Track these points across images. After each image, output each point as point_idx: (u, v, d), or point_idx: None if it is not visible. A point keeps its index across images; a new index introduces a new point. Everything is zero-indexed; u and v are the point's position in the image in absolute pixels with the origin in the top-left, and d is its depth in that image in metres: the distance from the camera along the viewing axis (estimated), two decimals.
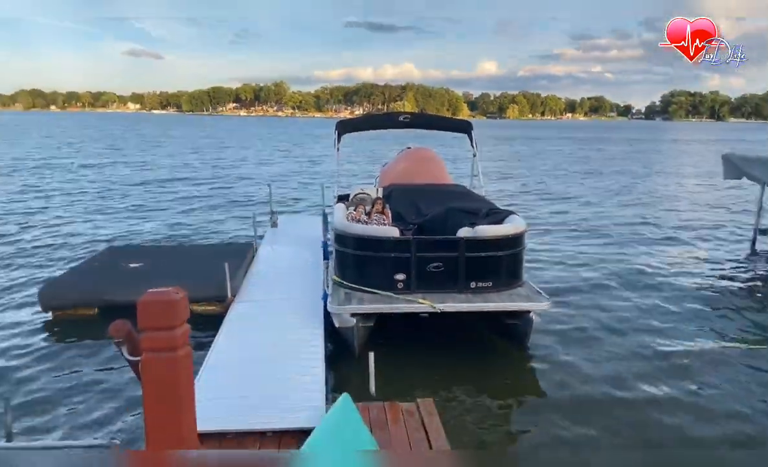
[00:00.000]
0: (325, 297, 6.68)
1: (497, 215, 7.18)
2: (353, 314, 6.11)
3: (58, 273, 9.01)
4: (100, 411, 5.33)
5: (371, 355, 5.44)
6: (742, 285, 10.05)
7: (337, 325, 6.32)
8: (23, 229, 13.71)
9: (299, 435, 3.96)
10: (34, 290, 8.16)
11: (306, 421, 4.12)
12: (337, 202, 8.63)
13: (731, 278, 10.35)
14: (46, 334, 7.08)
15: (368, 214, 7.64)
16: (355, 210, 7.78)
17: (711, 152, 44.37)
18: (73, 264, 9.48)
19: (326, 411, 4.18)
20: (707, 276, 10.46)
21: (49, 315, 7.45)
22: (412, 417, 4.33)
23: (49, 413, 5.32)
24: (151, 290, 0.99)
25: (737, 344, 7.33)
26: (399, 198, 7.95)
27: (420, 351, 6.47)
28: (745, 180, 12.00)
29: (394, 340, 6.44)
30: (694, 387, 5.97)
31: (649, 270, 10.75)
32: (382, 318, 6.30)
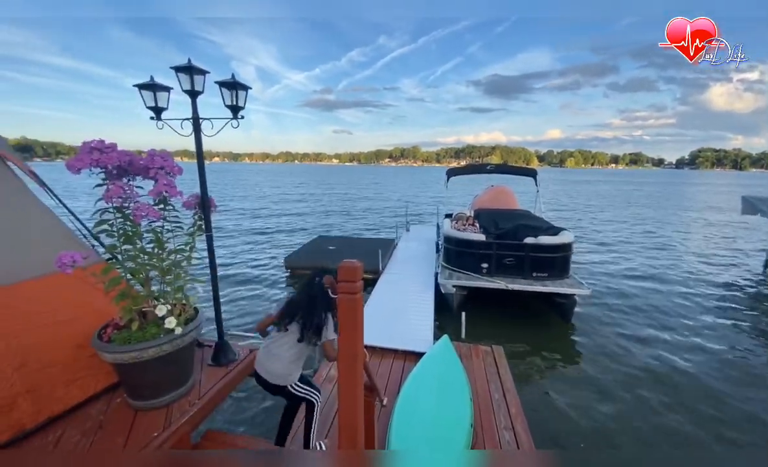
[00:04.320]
0: (436, 275, 6.61)
1: (554, 230, 6.47)
2: (454, 286, 5.99)
3: (293, 249, 10.06)
4: None
5: (463, 314, 5.28)
6: (751, 291, 7.84)
7: (443, 292, 6.24)
8: (283, 228, 15.67)
9: (416, 356, 3.98)
10: (282, 258, 9.22)
11: (421, 347, 4.15)
12: (446, 217, 8.53)
13: (743, 286, 8.11)
14: (287, 280, 8.08)
15: (464, 226, 7.41)
16: (456, 223, 7.59)
17: (733, 193, 34.99)
18: (300, 244, 10.61)
19: (433, 343, 4.15)
20: (727, 284, 8.24)
21: (288, 272, 8.48)
22: (488, 356, 4.12)
23: None
24: (345, 259, 1.16)
25: (737, 329, 5.81)
26: (484, 217, 7.56)
27: (495, 315, 6.11)
28: (759, 216, 9.07)
29: (479, 305, 6.14)
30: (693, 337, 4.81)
31: (672, 276, 8.74)
32: (472, 291, 6.06)
